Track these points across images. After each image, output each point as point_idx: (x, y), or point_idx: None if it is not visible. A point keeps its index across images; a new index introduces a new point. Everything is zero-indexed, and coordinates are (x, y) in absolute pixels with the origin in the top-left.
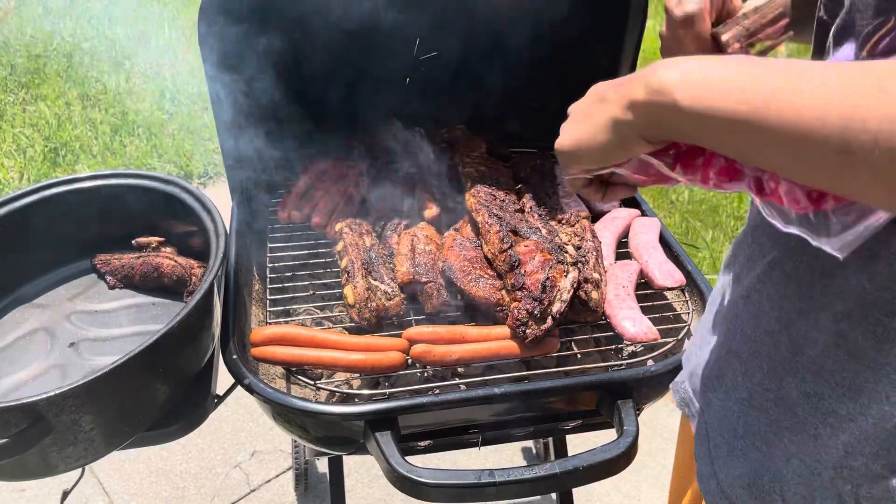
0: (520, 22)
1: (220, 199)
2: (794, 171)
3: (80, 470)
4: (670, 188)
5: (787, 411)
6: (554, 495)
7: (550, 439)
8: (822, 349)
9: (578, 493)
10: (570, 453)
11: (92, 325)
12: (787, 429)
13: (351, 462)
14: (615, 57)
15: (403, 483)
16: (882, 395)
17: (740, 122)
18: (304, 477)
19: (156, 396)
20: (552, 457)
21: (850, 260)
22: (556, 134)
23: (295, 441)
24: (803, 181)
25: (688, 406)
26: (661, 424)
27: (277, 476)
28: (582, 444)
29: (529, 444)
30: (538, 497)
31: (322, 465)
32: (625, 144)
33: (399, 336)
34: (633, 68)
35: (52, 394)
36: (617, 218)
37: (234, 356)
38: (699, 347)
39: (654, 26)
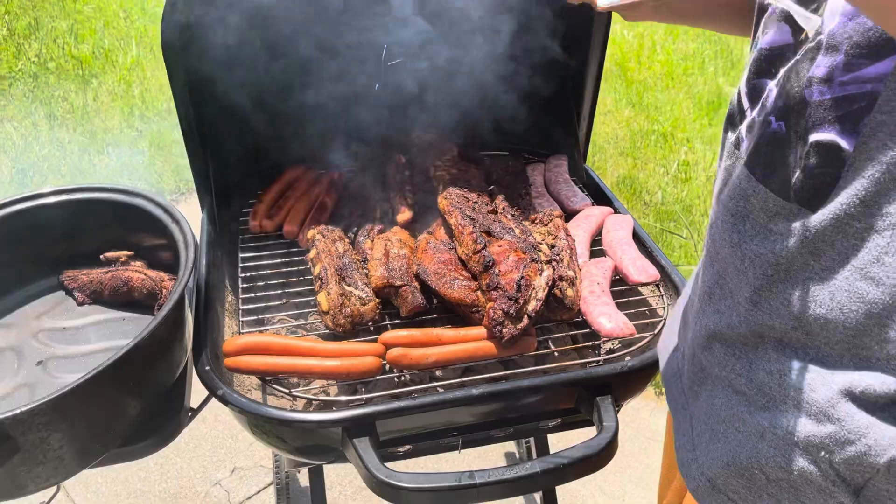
0: (487, 29)
1: (193, 215)
2: None
3: (53, 488)
4: (643, 188)
5: (759, 391)
6: (537, 497)
7: (532, 440)
8: (782, 333)
9: (563, 495)
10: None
11: (61, 343)
12: (761, 407)
13: (333, 475)
14: (582, 60)
15: (383, 489)
16: (849, 365)
17: None
18: (285, 492)
19: (127, 411)
20: (534, 458)
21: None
22: (526, 137)
23: (276, 456)
24: None
25: (676, 401)
26: (643, 424)
27: (259, 492)
28: (565, 444)
29: (513, 448)
30: (522, 500)
31: (304, 480)
32: None
33: (375, 341)
34: (599, 71)
35: (18, 412)
36: (590, 216)
37: (208, 367)
38: (678, 338)
39: (621, 31)
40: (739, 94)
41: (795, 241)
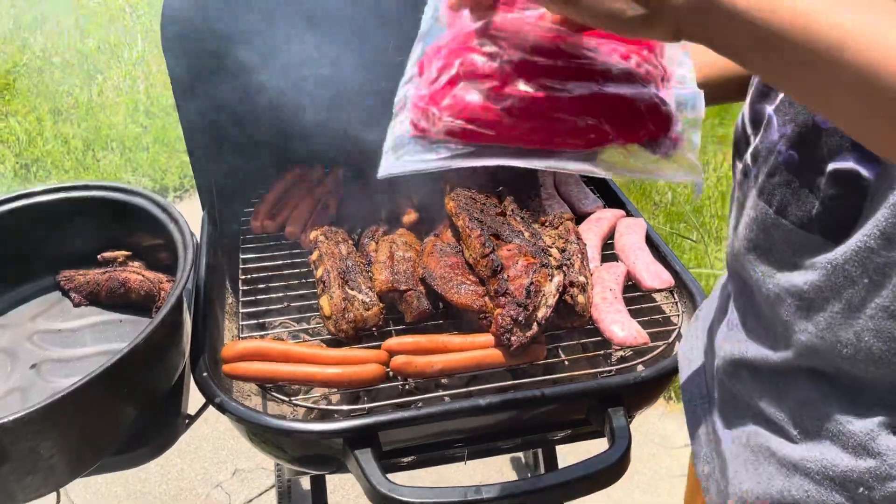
0: None
1: (196, 213)
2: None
3: (54, 494)
4: (653, 188)
5: (790, 421)
6: None
7: (540, 450)
8: (813, 366)
9: None
10: (560, 463)
11: (55, 345)
12: (794, 438)
13: (336, 478)
14: None
15: (385, 503)
16: (888, 400)
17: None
18: (287, 495)
19: (121, 419)
20: (542, 468)
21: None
22: None
23: None
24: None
25: (701, 424)
26: (652, 429)
27: (260, 495)
28: (572, 452)
29: (519, 454)
30: None
31: (306, 482)
32: (644, 23)
33: (378, 348)
34: None
35: (6, 420)
36: (601, 219)
37: (205, 373)
38: (705, 357)
39: None
40: (743, 120)
41: (818, 276)
